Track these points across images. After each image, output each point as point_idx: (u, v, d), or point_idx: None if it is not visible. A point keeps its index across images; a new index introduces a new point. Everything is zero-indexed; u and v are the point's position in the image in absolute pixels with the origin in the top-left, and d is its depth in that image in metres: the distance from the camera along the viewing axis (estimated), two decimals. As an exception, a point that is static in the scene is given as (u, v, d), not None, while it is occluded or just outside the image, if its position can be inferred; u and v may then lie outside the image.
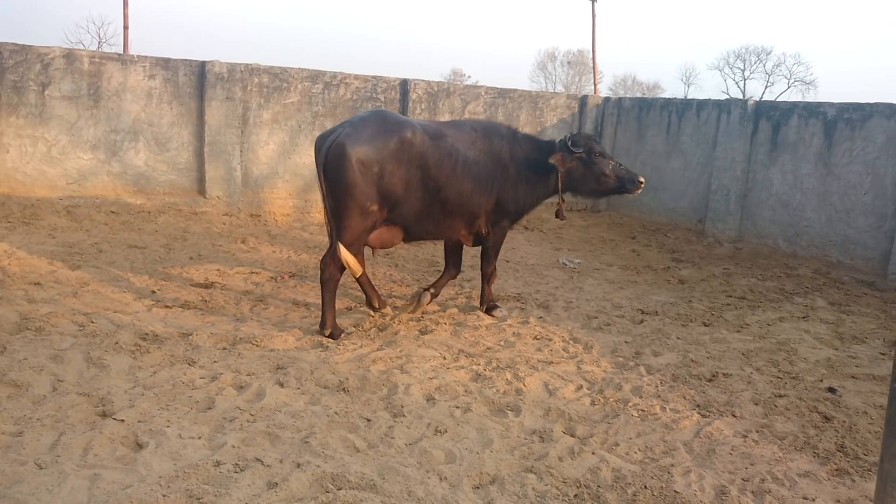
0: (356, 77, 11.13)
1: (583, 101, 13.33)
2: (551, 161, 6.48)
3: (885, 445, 2.52)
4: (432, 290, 6.73)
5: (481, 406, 4.67)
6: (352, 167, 5.63)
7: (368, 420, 4.34)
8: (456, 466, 3.88)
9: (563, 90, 62.09)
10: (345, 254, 5.75)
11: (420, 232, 6.37)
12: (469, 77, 62.94)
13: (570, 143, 6.53)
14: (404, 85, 11.49)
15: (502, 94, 12.46)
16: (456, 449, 4.06)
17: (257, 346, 5.47)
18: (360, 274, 6.00)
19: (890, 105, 9.04)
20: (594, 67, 15.02)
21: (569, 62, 68.12)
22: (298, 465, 3.72)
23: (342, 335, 5.89)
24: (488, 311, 6.80)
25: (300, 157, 10.87)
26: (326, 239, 9.51)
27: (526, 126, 12.71)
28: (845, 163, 9.41)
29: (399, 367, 5.20)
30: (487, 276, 6.87)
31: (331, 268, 5.87)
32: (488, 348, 5.79)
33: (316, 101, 10.83)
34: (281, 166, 10.77)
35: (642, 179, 6.74)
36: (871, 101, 9.28)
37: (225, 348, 5.38)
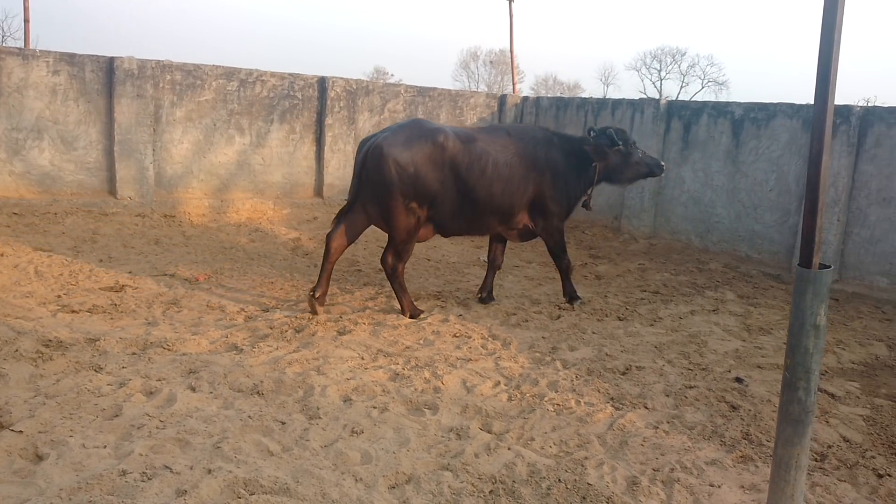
0: (273, 74, 10.95)
1: (502, 100, 13.45)
2: (599, 158, 7.20)
3: (778, 431, 2.62)
4: (484, 294, 7.32)
5: (399, 405, 4.65)
6: (388, 169, 6.22)
7: (283, 423, 4.26)
8: (372, 467, 3.85)
9: (486, 89, 62.58)
10: (390, 256, 6.62)
11: (454, 228, 6.95)
12: (392, 75, 62.84)
13: (616, 137, 7.22)
14: (322, 83, 11.36)
15: (422, 92, 12.47)
16: (372, 449, 4.03)
17: (169, 350, 5.31)
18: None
19: (792, 105, 9.44)
20: (512, 67, 15.20)
21: (491, 62, 68.66)
22: (209, 472, 3.62)
23: (420, 314, 6.62)
24: (570, 301, 7.35)
25: (216, 155, 10.63)
26: (243, 239, 9.36)
27: (447, 124, 12.74)
28: (752, 160, 9.77)
29: (316, 368, 5.14)
30: (564, 271, 7.41)
31: (390, 261, 6.62)
32: (407, 347, 5.78)
33: (231, 98, 10.61)
34: (196, 165, 10.51)
35: (664, 163, 7.63)
36: (775, 102, 9.67)
37: (134, 353, 5.20)
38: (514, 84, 15.04)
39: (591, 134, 7.34)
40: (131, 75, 9.75)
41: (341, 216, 6.75)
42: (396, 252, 6.59)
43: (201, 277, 7.43)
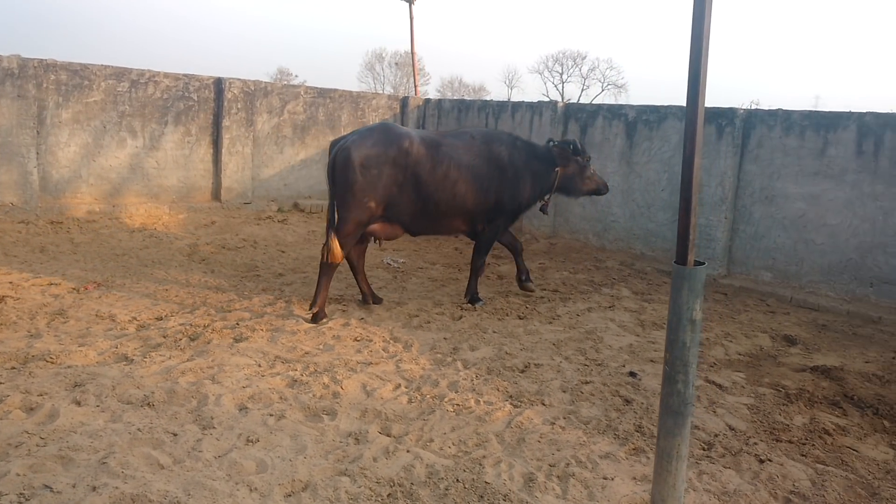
0: (166, 75, 10.61)
1: (404, 101, 13.46)
2: (563, 162, 7.60)
3: (660, 423, 2.71)
4: (523, 277, 7.81)
5: (296, 412, 4.58)
6: (354, 168, 6.58)
7: (175, 434, 4.13)
8: (267, 475, 3.78)
9: (392, 91, 62.55)
10: (333, 242, 6.59)
11: (418, 228, 7.25)
12: (296, 76, 62.06)
13: (579, 147, 7.64)
14: (219, 84, 11.08)
15: (322, 93, 12.34)
16: (268, 458, 3.96)
17: (52, 362, 5.06)
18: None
19: (681, 108, 9.81)
20: (414, 69, 15.23)
21: (396, 63, 68.65)
22: (94, 489, 3.47)
23: (324, 319, 6.62)
24: (471, 302, 7.48)
25: (106, 159, 10.21)
26: (136, 245, 9.03)
27: (348, 126, 12.65)
28: (645, 161, 10.11)
29: (210, 377, 5.00)
30: (476, 270, 7.57)
31: (329, 255, 6.68)
32: (306, 353, 5.70)
33: (122, 100, 10.21)
34: (85, 169, 10.07)
35: (608, 184, 8.19)
36: (666, 104, 10.04)
37: (14, 368, 4.93)
38: (415, 86, 15.07)
39: (552, 143, 7.68)
40: (11, 75, 9.25)
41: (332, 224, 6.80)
42: (339, 243, 6.73)
43: (90, 286, 7.11)
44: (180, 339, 5.76)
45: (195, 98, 10.90)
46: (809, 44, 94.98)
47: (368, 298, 7.22)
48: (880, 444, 4.75)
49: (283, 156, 12.04)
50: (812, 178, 8.59)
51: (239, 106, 11.23)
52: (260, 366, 5.32)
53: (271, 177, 11.91)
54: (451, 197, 7.02)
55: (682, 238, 2.57)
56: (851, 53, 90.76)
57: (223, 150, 11.15)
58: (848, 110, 8.46)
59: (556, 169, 7.56)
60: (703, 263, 2.60)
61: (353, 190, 6.62)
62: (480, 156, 7.19)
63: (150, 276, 7.74)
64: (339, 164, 6.68)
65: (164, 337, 5.80)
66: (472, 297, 7.51)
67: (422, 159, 6.86)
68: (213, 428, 4.25)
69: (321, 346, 5.88)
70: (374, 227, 6.93)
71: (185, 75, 10.82)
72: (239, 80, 11.28)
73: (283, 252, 9.38)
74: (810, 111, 8.79)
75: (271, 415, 4.49)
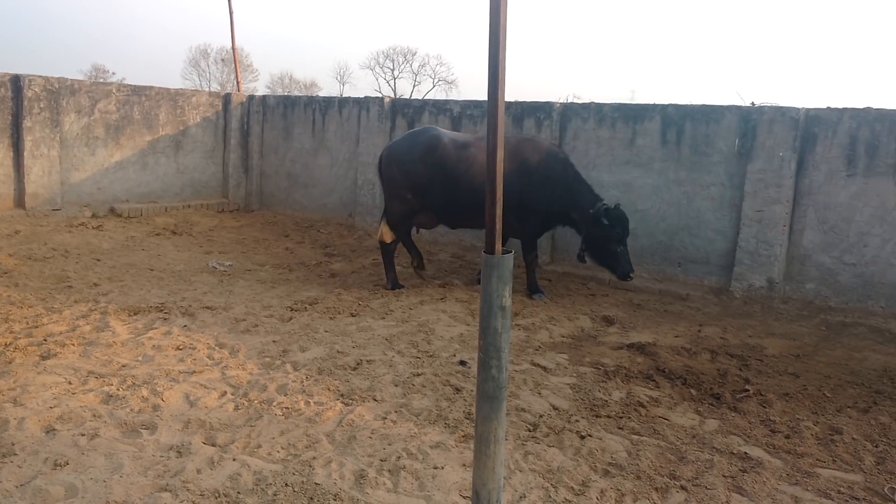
0: (-48, 72, 9.64)
1: (226, 99, 13.01)
2: (593, 223, 7.79)
3: (477, 409, 2.77)
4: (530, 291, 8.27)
5: (112, 429, 4.30)
6: (391, 167, 8.10)
7: (-31, 466, 3.76)
8: (78, 500, 3.52)
9: (219, 88, 60.30)
10: (383, 227, 8.21)
11: (448, 219, 8.35)
12: (114, 74, 58.30)
13: (605, 213, 7.66)
14: (16, 81, 10.19)
15: (137, 91, 11.67)
16: (79, 481, 3.68)
17: None
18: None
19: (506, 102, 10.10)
20: (236, 64, 14.74)
21: (222, 59, 66.27)
22: None
23: (402, 289, 8.18)
24: (530, 296, 8.09)
25: None
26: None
27: (167, 125, 12.07)
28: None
29: (12, 399, 4.58)
30: (529, 264, 8.25)
31: (380, 236, 8.24)
32: (123, 366, 5.36)
33: None
34: None
35: (632, 275, 7.94)
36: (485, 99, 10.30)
37: None
38: (238, 82, 14.60)
39: (601, 205, 7.74)
40: None
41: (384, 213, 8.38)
42: (391, 229, 8.17)
43: None
44: (-23, 361, 5.25)
45: (-11, 97, 9.98)
46: (626, 41, 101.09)
47: (422, 269, 8.50)
48: (688, 411, 5.13)
49: (96, 158, 11.28)
50: (624, 166, 9.14)
51: (42, 105, 10.40)
52: (70, 383, 4.95)
53: (83, 181, 11.13)
54: (469, 192, 7.78)
55: (489, 229, 2.64)
56: (664, 50, 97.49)
57: (25, 154, 10.27)
58: (653, 103, 9.07)
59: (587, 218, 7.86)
60: (511, 252, 2.68)
61: (392, 185, 8.09)
62: (507, 158, 7.51)
63: (-58, 293, 7.01)
64: (382, 165, 8.27)
65: (-42, 360, 5.26)
66: (533, 289, 8.15)
67: (446, 158, 7.87)
68: (15, 455, 3.90)
69: (140, 358, 5.55)
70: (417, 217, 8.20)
71: (-25, 72, 9.88)
72: (41, 77, 10.44)
73: (98, 261, 8.79)
74: (620, 104, 9.34)
75: (83, 434, 4.19)
